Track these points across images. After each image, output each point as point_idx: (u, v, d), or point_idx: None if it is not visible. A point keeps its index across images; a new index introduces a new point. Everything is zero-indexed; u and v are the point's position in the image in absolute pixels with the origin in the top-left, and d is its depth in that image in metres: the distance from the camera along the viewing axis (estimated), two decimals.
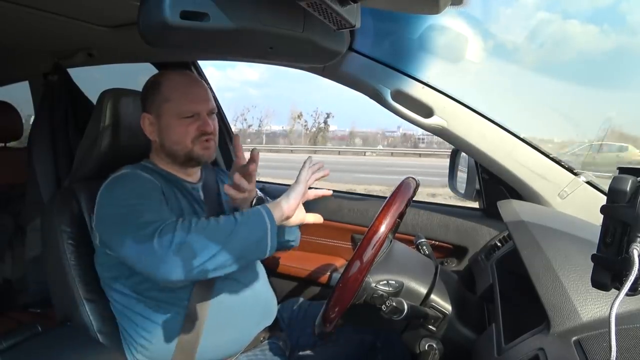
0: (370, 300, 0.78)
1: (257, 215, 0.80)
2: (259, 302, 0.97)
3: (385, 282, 0.79)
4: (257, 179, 1.89)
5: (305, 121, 30.83)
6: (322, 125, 30.26)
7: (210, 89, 1.69)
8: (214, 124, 0.95)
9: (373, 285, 0.79)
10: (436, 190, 7.61)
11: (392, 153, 22.40)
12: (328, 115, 30.50)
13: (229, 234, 0.76)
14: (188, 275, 0.74)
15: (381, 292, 0.78)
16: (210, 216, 0.96)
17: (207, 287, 0.89)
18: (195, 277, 0.76)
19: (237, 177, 0.87)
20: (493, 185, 1.14)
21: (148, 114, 0.94)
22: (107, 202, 0.86)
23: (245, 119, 32.02)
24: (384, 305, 0.74)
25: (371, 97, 1.07)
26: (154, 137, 0.95)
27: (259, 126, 32.91)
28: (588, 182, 1.00)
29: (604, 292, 0.43)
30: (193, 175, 1.01)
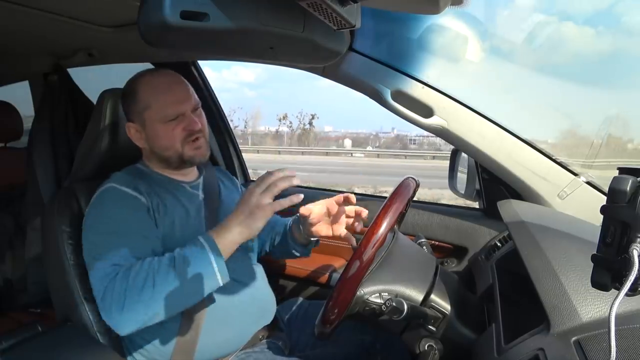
0: (363, 312, 0.77)
1: (199, 253, 0.77)
2: (256, 300, 0.97)
3: (377, 294, 0.77)
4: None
5: (290, 122, 31.14)
6: (307, 126, 30.45)
7: (209, 88, 1.69)
8: (200, 120, 0.92)
9: (365, 297, 0.76)
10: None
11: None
12: (313, 117, 30.79)
13: (167, 281, 0.74)
14: (126, 326, 0.76)
15: (374, 306, 0.76)
16: (210, 217, 0.96)
17: None
18: (138, 325, 0.76)
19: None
20: (493, 185, 1.14)
21: (132, 122, 0.92)
22: (88, 225, 0.87)
23: (232, 120, 32.27)
24: (383, 306, 0.74)
25: (371, 97, 1.07)
26: (143, 144, 0.94)
27: (245, 127, 33.24)
28: (588, 183, 1.00)
29: (604, 292, 0.43)
30: (189, 175, 1.00)
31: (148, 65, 1.54)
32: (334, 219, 0.93)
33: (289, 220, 1.07)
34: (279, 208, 0.76)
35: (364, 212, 0.93)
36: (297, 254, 1.06)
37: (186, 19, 0.47)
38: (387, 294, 0.77)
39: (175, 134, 0.89)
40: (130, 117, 0.93)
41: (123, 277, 0.75)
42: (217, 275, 0.77)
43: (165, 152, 0.91)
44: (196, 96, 0.94)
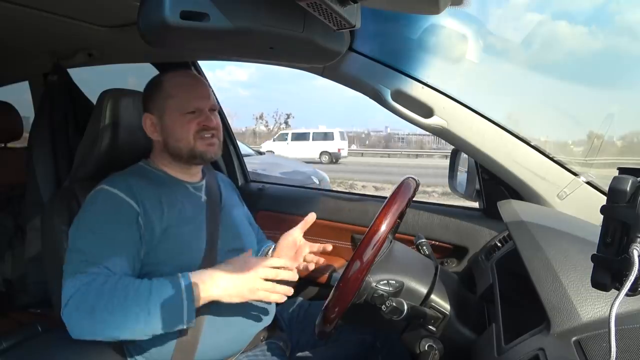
0: (371, 300, 0.78)
1: (174, 294, 0.77)
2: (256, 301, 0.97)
3: (385, 281, 0.79)
4: (256, 179, 1.87)
5: (267, 122, 31.49)
6: (283, 125, 30.70)
7: (210, 88, 1.69)
8: (216, 120, 0.96)
9: (373, 284, 0.78)
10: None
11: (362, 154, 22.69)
12: (288, 116, 31.18)
13: (137, 311, 0.76)
14: (80, 333, 0.79)
15: (381, 292, 0.77)
16: (211, 219, 0.96)
17: None
18: (90, 337, 0.79)
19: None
20: (493, 185, 1.14)
21: (150, 114, 0.95)
22: (75, 223, 0.88)
23: None
24: (383, 306, 0.74)
25: (371, 97, 1.07)
26: (157, 136, 0.95)
27: None
28: (588, 183, 1.00)
29: (604, 292, 0.43)
30: (194, 176, 1.01)
31: (148, 66, 1.54)
32: (297, 253, 1.00)
33: (268, 246, 1.12)
34: (265, 300, 0.83)
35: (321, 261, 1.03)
36: None
37: (186, 19, 0.47)
38: (395, 281, 0.79)
39: (190, 127, 0.92)
40: (149, 107, 0.96)
41: (98, 289, 0.77)
42: (184, 319, 0.78)
43: (177, 144, 0.94)
44: (215, 100, 0.99)
